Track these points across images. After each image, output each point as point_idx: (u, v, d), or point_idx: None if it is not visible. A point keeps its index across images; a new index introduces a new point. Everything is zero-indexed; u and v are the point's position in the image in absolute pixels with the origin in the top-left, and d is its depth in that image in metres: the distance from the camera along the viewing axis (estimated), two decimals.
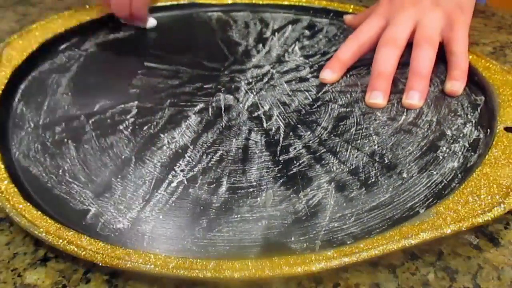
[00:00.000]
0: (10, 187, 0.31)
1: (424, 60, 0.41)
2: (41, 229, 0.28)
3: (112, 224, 0.30)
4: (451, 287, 0.28)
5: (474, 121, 0.38)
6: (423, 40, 0.42)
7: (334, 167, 0.34)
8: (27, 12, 0.60)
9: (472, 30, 0.51)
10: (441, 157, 0.35)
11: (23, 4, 0.62)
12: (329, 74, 0.44)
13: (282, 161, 0.35)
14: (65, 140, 0.37)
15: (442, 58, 0.44)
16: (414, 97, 0.40)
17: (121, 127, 0.38)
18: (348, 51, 0.45)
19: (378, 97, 0.40)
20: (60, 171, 0.34)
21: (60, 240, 0.28)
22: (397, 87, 0.42)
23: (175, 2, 0.57)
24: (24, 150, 0.36)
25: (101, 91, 0.42)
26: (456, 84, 0.41)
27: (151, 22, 0.54)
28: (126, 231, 0.30)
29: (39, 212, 0.30)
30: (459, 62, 0.42)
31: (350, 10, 0.56)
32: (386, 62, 0.42)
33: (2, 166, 0.33)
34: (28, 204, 0.30)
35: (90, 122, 0.39)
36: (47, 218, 0.29)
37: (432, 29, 0.43)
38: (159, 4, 0.56)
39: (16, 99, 0.41)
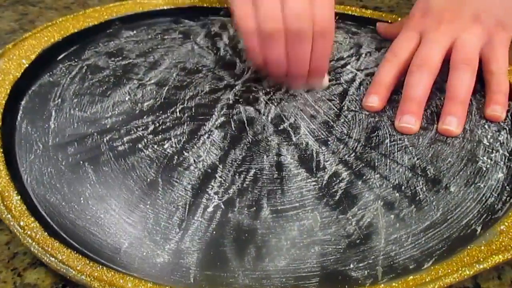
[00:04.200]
0: (30, 222, 0.28)
1: (462, 84, 0.38)
2: (76, 271, 0.25)
3: (151, 258, 0.28)
4: (452, 287, 0.27)
5: (508, 128, 0.37)
6: (462, 62, 0.39)
7: (377, 183, 0.33)
8: (27, 11, 0.58)
9: None
10: (484, 168, 0.34)
11: (23, 3, 0.59)
12: (375, 101, 0.40)
13: (320, 179, 0.33)
14: (81, 162, 0.33)
15: None
16: (452, 123, 0.37)
17: (139, 145, 0.35)
18: (389, 74, 0.41)
19: (409, 121, 0.37)
20: (82, 198, 0.31)
21: (101, 283, 0.25)
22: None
23: (173, 6, 0.54)
24: (37, 175, 0.32)
25: (110, 105, 0.39)
26: (497, 108, 0.38)
27: (326, 80, 0.42)
28: (168, 265, 0.27)
29: (69, 250, 0.27)
30: (499, 84, 0.39)
31: (356, 14, 0.55)
32: (418, 86, 0.39)
33: (17, 198, 0.29)
34: (56, 241, 0.27)
35: (105, 140, 0.35)
36: (79, 256, 0.26)
37: (471, 49, 0.40)
38: (158, 8, 0.53)
39: (19, 118, 0.37)
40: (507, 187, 0.32)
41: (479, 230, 0.29)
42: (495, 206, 0.31)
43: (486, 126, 0.38)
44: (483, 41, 0.41)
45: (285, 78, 0.40)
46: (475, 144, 0.36)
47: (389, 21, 0.52)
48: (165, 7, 0.53)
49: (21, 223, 0.28)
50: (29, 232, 0.27)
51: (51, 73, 0.42)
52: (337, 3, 0.59)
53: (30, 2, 0.60)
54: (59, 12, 0.58)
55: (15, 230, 0.27)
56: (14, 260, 0.29)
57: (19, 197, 0.29)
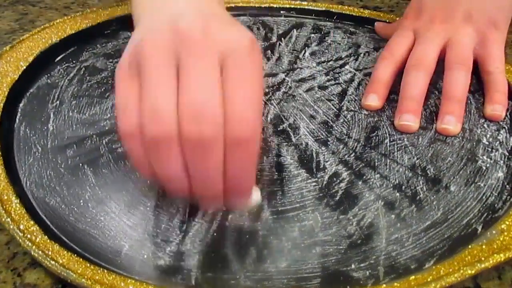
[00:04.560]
0: (30, 225, 0.28)
1: (458, 83, 0.38)
2: (76, 275, 0.25)
3: (152, 261, 0.27)
4: (452, 287, 0.27)
5: (507, 127, 0.38)
6: (456, 61, 0.39)
7: (377, 183, 0.33)
8: (27, 11, 0.58)
9: None
10: (484, 168, 0.34)
11: (23, 3, 0.59)
12: (375, 100, 0.40)
13: (321, 179, 0.33)
14: (80, 164, 0.33)
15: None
16: (451, 122, 0.37)
17: None
18: (386, 71, 0.41)
19: (409, 119, 0.37)
20: (81, 201, 0.31)
21: (102, 286, 0.25)
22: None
23: None
24: (36, 178, 0.32)
25: (109, 107, 0.39)
26: (498, 107, 0.38)
27: (255, 196, 0.30)
28: (169, 268, 0.27)
29: (70, 253, 0.26)
30: (497, 83, 0.39)
31: (354, 13, 0.55)
32: (415, 85, 0.39)
33: (17, 201, 0.29)
34: (56, 244, 0.27)
35: (104, 142, 0.35)
36: (80, 259, 0.26)
37: (464, 49, 0.40)
38: None
39: (17, 120, 0.37)
40: (507, 186, 0.32)
41: (479, 229, 0.29)
42: (496, 205, 0.31)
43: (485, 125, 0.38)
44: (476, 41, 0.41)
45: (192, 198, 0.28)
46: (474, 143, 0.36)
47: (387, 21, 0.52)
48: None
49: (21, 227, 0.27)
50: (28, 236, 0.27)
51: (49, 75, 0.42)
52: (337, 3, 0.60)
53: (30, 2, 0.60)
54: (59, 12, 0.58)
55: (15, 234, 0.27)
56: (14, 260, 0.29)
57: (18, 200, 0.29)
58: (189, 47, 0.24)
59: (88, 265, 0.26)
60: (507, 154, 0.35)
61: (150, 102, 0.24)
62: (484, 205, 0.31)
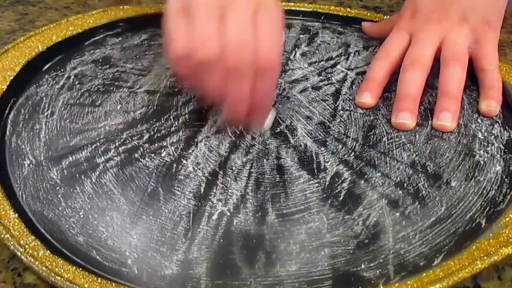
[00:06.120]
0: (30, 240, 0.27)
1: (453, 79, 0.39)
2: None
3: (159, 270, 0.27)
4: (452, 287, 0.27)
5: (500, 122, 0.38)
6: (451, 58, 0.40)
7: (379, 182, 0.33)
8: (27, 11, 0.57)
9: None
10: (482, 162, 0.34)
11: (23, 3, 0.59)
12: (368, 97, 0.40)
13: (323, 180, 0.33)
14: (77, 175, 0.32)
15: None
16: (446, 119, 0.37)
17: (136, 155, 0.34)
18: (381, 70, 0.42)
19: (406, 117, 0.37)
20: (81, 213, 0.30)
21: None
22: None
23: (156, 12, 0.53)
24: (32, 191, 0.31)
25: (102, 115, 0.38)
26: (492, 103, 0.39)
27: (269, 121, 0.37)
28: (178, 277, 0.27)
29: (74, 267, 0.26)
30: (491, 80, 0.40)
31: (341, 13, 0.55)
32: (412, 84, 0.39)
33: (15, 216, 0.28)
34: (60, 259, 0.26)
35: (100, 151, 0.34)
36: (85, 272, 0.25)
37: (459, 46, 0.41)
38: (141, 14, 0.52)
39: (8, 132, 0.36)
40: (505, 179, 0.33)
41: (483, 223, 0.29)
42: (497, 198, 0.31)
43: (479, 120, 0.38)
44: (470, 40, 0.41)
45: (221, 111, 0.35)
46: (470, 138, 0.36)
47: (375, 20, 0.53)
48: (148, 13, 0.52)
49: (21, 242, 0.27)
50: (30, 251, 0.26)
51: (37, 84, 0.41)
52: (337, 3, 0.60)
53: (30, 2, 0.60)
54: (59, 12, 0.58)
55: (16, 250, 0.26)
56: (14, 260, 0.29)
57: (17, 215, 0.28)
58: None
59: (95, 278, 0.25)
60: (502, 148, 0.35)
61: (201, 31, 0.30)
62: (485, 199, 0.31)
